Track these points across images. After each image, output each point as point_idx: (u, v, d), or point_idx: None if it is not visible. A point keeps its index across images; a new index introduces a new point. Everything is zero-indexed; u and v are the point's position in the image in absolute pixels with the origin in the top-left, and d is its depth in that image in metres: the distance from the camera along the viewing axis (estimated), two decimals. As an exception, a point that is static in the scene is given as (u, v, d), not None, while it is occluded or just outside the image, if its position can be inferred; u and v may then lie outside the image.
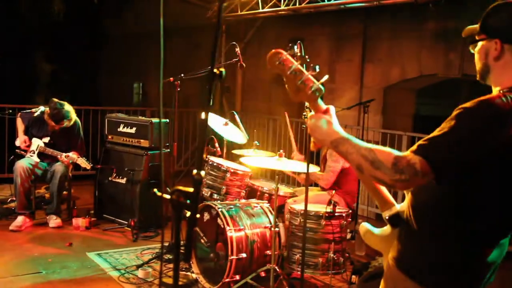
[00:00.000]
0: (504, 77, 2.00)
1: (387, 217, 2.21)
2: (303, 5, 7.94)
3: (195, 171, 1.64)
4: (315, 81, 1.96)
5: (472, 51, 2.14)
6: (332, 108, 2.03)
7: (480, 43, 2.07)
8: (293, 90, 1.98)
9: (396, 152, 1.86)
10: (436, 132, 1.86)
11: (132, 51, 13.81)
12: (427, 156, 1.81)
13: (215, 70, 1.62)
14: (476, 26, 2.10)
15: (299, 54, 4.39)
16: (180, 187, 1.65)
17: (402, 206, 2.21)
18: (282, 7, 8.31)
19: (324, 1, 7.64)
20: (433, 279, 2.02)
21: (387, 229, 2.25)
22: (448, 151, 1.82)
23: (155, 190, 1.86)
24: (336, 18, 8.62)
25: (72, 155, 6.15)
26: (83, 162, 6.15)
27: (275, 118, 9.41)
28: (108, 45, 15.12)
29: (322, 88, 1.97)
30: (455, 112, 1.87)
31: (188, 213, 1.65)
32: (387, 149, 1.89)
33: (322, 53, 9.07)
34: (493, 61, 2.03)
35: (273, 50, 1.98)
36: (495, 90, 2.01)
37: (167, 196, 1.64)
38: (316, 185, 5.54)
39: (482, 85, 2.19)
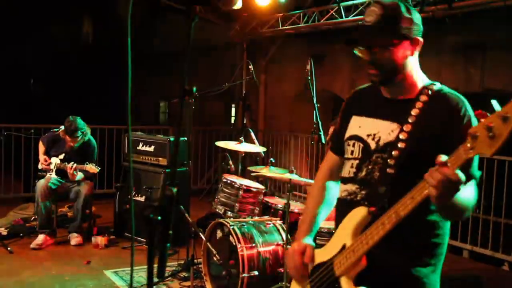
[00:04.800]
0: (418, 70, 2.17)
1: None
2: (322, 21, 7.96)
3: (167, 187, 1.65)
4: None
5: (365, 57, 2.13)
6: None
7: (391, 48, 2.08)
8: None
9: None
10: None
11: (159, 70, 13.98)
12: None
13: (186, 87, 1.62)
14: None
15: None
16: (155, 203, 1.66)
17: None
18: (301, 24, 8.35)
19: (342, 18, 7.64)
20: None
21: None
22: None
23: (127, 206, 1.87)
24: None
25: (78, 165, 6.21)
26: (91, 168, 6.20)
27: (296, 135, 9.38)
28: (135, 64, 15.34)
29: None
30: None
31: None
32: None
33: (343, 69, 9.03)
34: (409, 59, 2.12)
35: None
36: (418, 84, 2.14)
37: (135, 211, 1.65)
38: None
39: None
